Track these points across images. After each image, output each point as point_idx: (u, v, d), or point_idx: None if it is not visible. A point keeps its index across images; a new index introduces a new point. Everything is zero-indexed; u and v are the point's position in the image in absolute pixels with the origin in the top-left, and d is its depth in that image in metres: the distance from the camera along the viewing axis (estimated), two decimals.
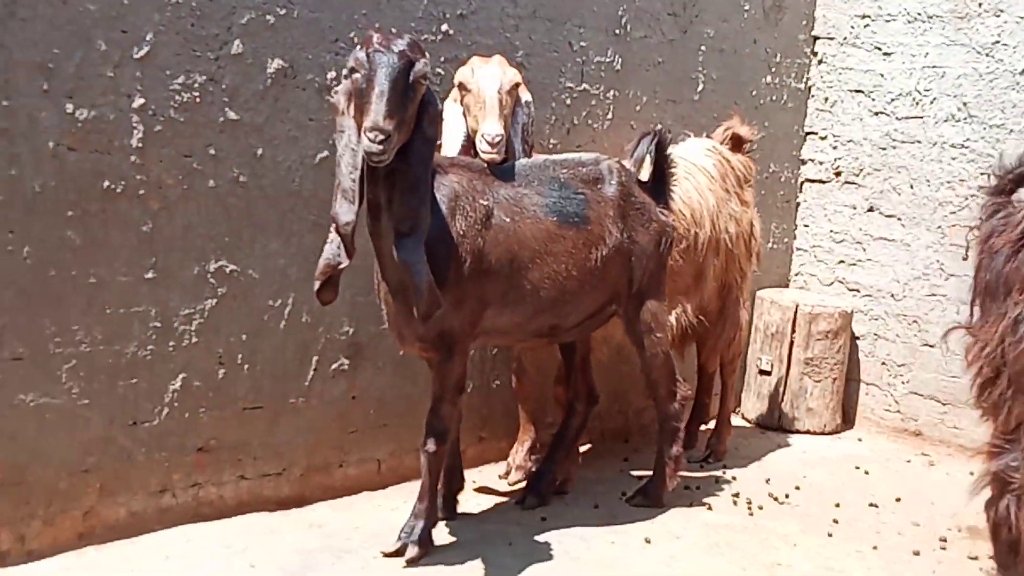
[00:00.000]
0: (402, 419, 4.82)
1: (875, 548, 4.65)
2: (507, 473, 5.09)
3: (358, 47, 3.55)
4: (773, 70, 6.46)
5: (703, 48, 5.94)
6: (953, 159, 6.20)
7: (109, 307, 3.88)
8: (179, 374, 4.09)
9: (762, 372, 6.46)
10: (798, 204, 6.89)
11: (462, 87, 4.35)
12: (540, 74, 5.01)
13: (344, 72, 3.65)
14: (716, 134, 5.60)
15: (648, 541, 4.47)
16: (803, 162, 6.83)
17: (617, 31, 5.43)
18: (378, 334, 4.66)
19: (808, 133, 6.81)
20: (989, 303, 3.71)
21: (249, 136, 4.14)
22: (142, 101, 3.84)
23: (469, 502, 4.75)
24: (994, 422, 3.62)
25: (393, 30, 3.92)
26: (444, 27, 4.68)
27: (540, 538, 4.40)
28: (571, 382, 4.89)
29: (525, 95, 4.44)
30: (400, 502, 4.66)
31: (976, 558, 4.63)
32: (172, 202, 3.98)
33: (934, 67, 6.25)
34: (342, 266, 3.73)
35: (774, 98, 6.50)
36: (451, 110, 4.44)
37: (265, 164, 4.21)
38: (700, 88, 5.98)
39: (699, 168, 5.23)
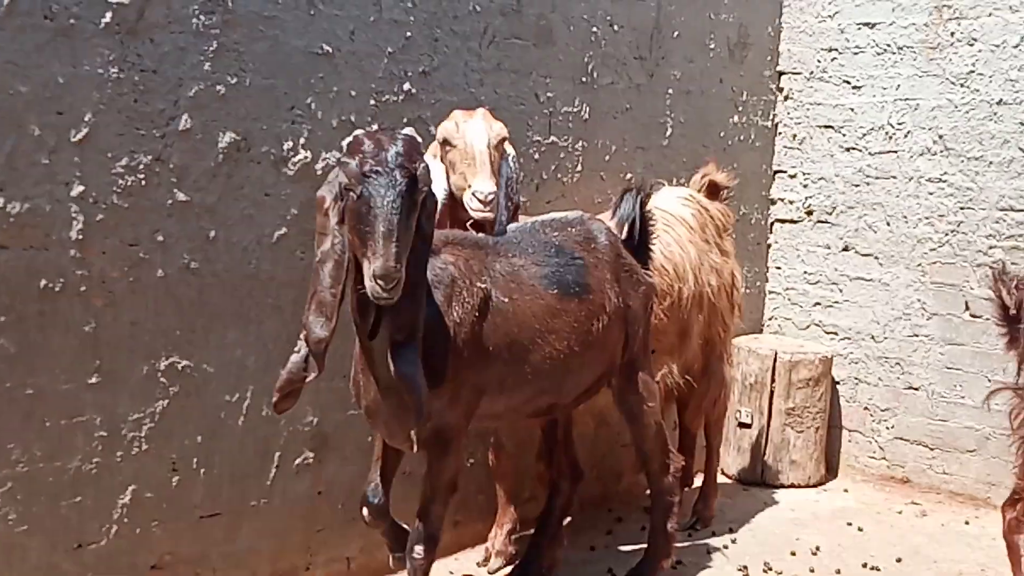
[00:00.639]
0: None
1: None
2: (487, 559, 4.72)
3: (347, 155, 3.10)
4: (740, 109, 6.19)
5: (670, 91, 5.64)
6: (931, 194, 5.98)
7: (49, 419, 3.45)
8: (128, 486, 3.66)
9: (741, 425, 6.16)
10: (769, 246, 6.62)
11: (446, 143, 4.03)
12: (508, 128, 4.63)
13: (333, 179, 3.16)
14: (692, 182, 5.32)
15: None
16: (773, 202, 6.58)
17: (584, 79, 5.11)
18: (344, 422, 4.28)
19: (777, 172, 6.56)
20: None
21: (200, 218, 3.74)
22: (81, 188, 3.42)
23: None
24: None
25: (378, 128, 3.46)
26: (406, 86, 4.32)
27: None
28: (554, 459, 4.55)
29: (510, 150, 4.15)
30: None
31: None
32: (117, 297, 3.55)
33: (907, 99, 6.02)
34: (309, 379, 3.34)
35: (742, 138, 6.23)
36: (431, 168, 4.09)
37: (218, 247, 3.81)
38: (669, 133, 5.68)
39: (678, 219, 4.93)
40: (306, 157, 4.02)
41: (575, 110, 5.09)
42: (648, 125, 5.55)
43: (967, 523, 5.64)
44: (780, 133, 6.52)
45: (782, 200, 6.54)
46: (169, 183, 3.64)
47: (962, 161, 5.87)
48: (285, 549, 4.16)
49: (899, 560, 5.04)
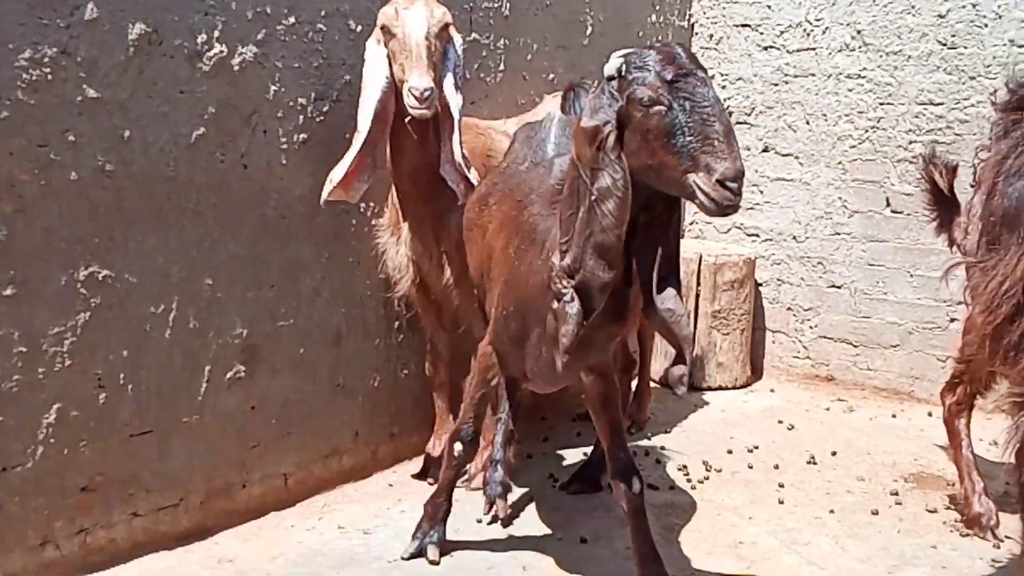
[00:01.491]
0: (307, 424, 4.29)
1: (832, 512, 4.38)
2: (424, 471, 4.59)
3: (634, 70, 2.80)
4: (657, 8, 6.07)
5: None
6: (850, 90, 5.95)
7: None
8: (53, 405, 3.43)
9: None
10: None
11: (386, 30, 3.84)
12: None
13: (600, 105, 2.85)
14: None
15: (587, 540, 4.06)
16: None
17: None
18: (274, 332, 4.09)
19: None
20: (1005, 233, 3.25)
21: (112, 116, 3.47)
22: None
23: (392, 510, 4.24)
24: (1011, 369, 3.22)
25: (660, 43, 3.03)
26: None
27: (482, 540, 3.96)
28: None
29: (455, 34, 3.96)
30: (315, 520, 4.13)
31: (935, 511, 4.42)
32: (28, 202, 3.29)
33: None
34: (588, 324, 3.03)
35: (659, 38, 6.12)
36: (373, 53, 3.92)
37: (133, 147, 3.55)
38: (589, 32, 5.53)
39: None
40: (221, 51, 3.77)
41: (496, 6, 4.90)
42: (568, 23, 5.39)
43: (894, 416, 5.70)
44: (696, 33, 6.42)
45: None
46: (77, 78, 3.36)
47: (881, 56, 5.85)
48: (219, 466, 3.98)
49: (834, 454, 5.06)
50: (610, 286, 2.94)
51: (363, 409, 4.51)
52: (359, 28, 4.25)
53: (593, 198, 2.86)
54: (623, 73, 2.82)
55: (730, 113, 6.33)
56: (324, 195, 3.96)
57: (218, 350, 3.91)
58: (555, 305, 3.04)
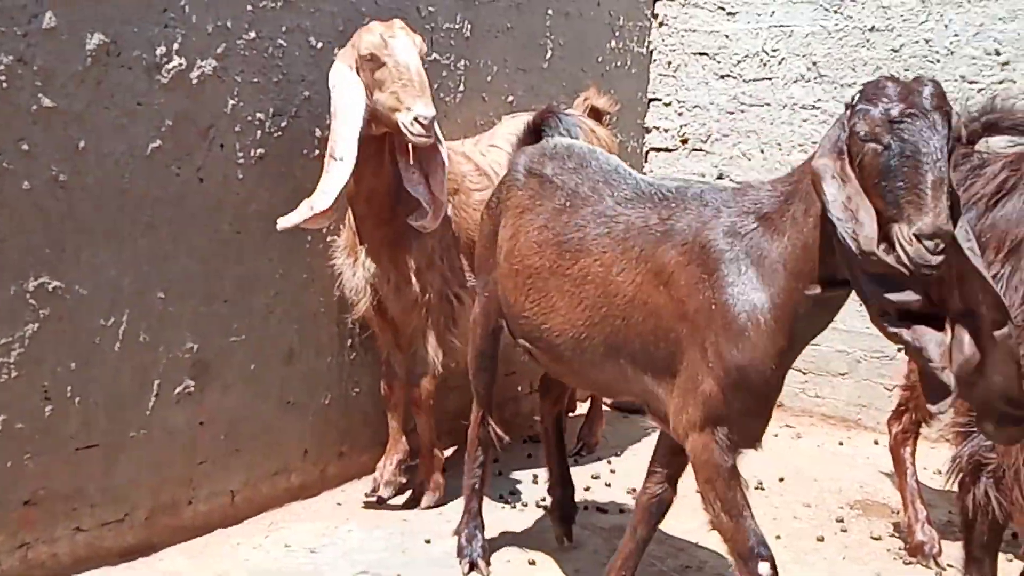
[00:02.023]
0: (256, 442, 4.26)
1: (778, 537, 4.39)
2: (375, 490, 4.56)
3: (863, 102, 2.58)
4: (616, 34, 6.12)
5: (550, 11, 5.52)
6: (804, 120, 6.03)
7: None
8: None
9: None
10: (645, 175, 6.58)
11: (372, 59, 3.88)
12: None
13: (841, 132, 2.64)
14: (575, 106, 5.22)
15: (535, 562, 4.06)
16: (648, 130, 6.54)
17: None
18: (226, 348, 4.06)
19: (652, 99, 6.52)
20: None
21: (68, 126, 3.44)
22: None
23: (339, 529, 4.22)
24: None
25: (894, 77, 2.68)
26: None
27: (429, 563, 3.94)
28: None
29: None
30: (261, 538, 4.10)
31: (879, 538, 4.46)
32: None
33: (781, 26, 6.05)
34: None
35: (619, 64, 6.16)
36: (347, 80, 3.93)
37: (88, 158, 3.52)
38: (548, 55, 5.57)
39: None
40: (180, 64, 3.75)
41: (457, 26, 4.92)
42: (528, 46, 5.42)
43: (841, 444, 5.75)
44: (655, 60, 6.48)
45: (657, 128, 6.50)
46: (33, 86, 3.34)
47: (835, 88, 5.93)
48: (166, 482, 3.94)
49: (781, 480, 5.10)
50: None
51: (313, 427, 4.49)
52: (319, 45, 4.25)
53: (841, 234, 2.58)
54: (854, 102, 2.64)
55: (685, 140, 6.41)
56: (297, 220, 3.94)
57: (168, 365, 3.88)
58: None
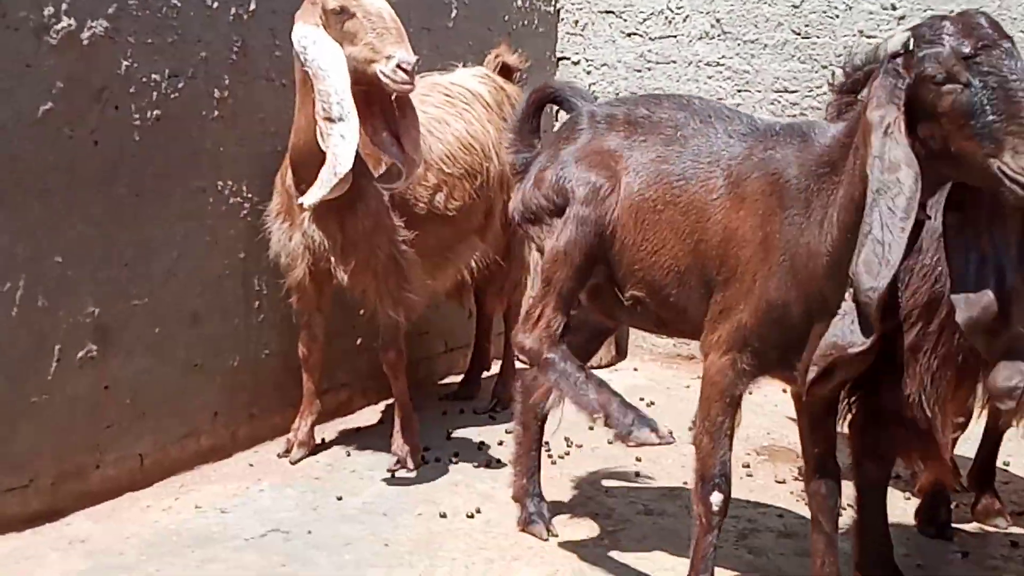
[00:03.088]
0: (163, 405, 4.24)
1: (685, 483, 4.47)
2: (288, 450, 4.58)
3: (924, 45, 2.54)
4: None
5: None
6: (709, 77, 6.11)
7: None
8: None
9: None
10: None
11: (343, 11, 3.83)
12: (287, 3, 4.37)
13: (893, 72, 2.59)
14: (486, 63, 5.23)
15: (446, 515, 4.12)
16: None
17: None
18: (128, 311, 4.04)
19: (561, 58, 6.55)
20: None
21: None
22: None
23: (251, 489, 4.23)
24: None
25: (958, 12, 2.66)
26: None
27: (341, 516, 3.97)
28: None
29: None
30: (171, 500, 4.10)
31: (783, 481, 4.58)
32: None
33: None
34: (854, 349, 2.80)
35: (526, 23, 6.18)
36: (319, 37, 3.85)
37: None
38: (453, 15, 5.57)
39: (475, 96, 4.86)
40: (70, 25, 3.69)
41: None
42: (433, 6, 5.41)
43: (750, 392, 5.83)
44: (563, 19, 6.51)
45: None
46: None
47: (739, 44, 6.01)
48: (70, 448, 3.91)
49: (690, 428, 5.17)
50: (879, 293, 2.61)
51: (222, 389, 4.48)
52: (215, 4, 4.22)
53: (875, 189, 2.56)
54: (911, 48, 2.56)
55: (595, 98, 6.43)
56: (324, 192, 3.88)
57: (68, 330, 3.84)
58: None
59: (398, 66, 3.79)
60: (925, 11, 5.49)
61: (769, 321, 2.99)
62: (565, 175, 3.46)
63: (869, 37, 5.65)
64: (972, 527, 4.17)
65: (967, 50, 2.47)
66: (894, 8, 5.60)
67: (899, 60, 2.58)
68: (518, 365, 5.66)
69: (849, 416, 3.50)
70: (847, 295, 2.74)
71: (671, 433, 3.30)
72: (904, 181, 2.53)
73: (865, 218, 2.58)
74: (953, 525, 4.08)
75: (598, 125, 3.50)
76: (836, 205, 2.80)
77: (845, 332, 2.75)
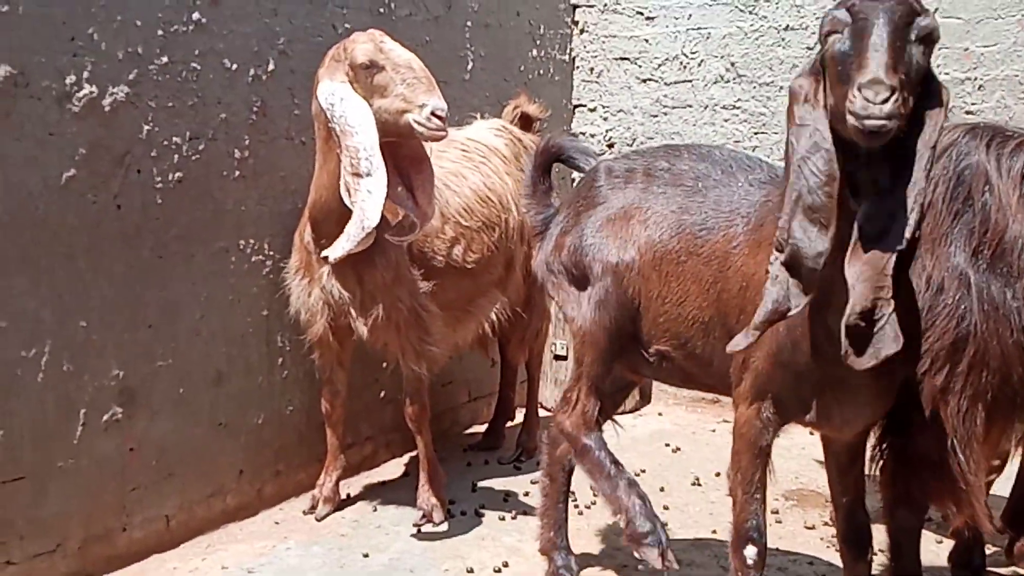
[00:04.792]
0: (189, 465, 4.25)
1: (714, 532, 4.46)
2: (313, 507, 4.58)
3: (832, 8, 2.60)
4: (538, 43, 6.18)
5: (469, 24, 5.57)
6: (726, 120, 6.13)
7: None
8: None
9: (557, 357, 6.20)
10: (573, 180, 6.65)
11: (372, 65, 3.88)
12: (305, 63, 4.47)
13: (809, 63, 2.68)
14: (504, 114, 5.27)
15: (472, 569, 4.10)
16: (575, 136, 6.59)
17: (381, 10, 4.98)
18: (153, 373, 4.06)
19: (577, 106, 6.59)
20: None
21: None
22: None
23: (277, 548, 4.22)
24: None
25: None
26: (195, 15, 4.08)
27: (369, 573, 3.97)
28: None
29: None
30: (198, 561, 4.10)
31: (813, 527, 4.54)
32: None
33: (699, 28, 6.14)
34: (792, 312, 2.72)
35: (541, 72, 6.23)
36: (346, 94, 3.91)
37: None
38: (470, 67, 5.61)
39: (492, 150, 4.89)
40: (92, 92, 3.74)
41: None
42: (449, 59, 5.46)
43: (777, 436, 5.82)
44: (578, 67, 6.55)
45: (584, 134, 6.58)
46: None
47: (754, 87, 6.03)
48: (97, 511, 3.91)
49: (718, 474, 5.16)
50: (822, 257, 2.60)
51: (247, 447, 4.49)
52: (234, 67, 4.26)
53: (799, 157, 2.61)
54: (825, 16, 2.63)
55: (611, 144, 6.48)
56: (350, 246, 3.94)
57: (94, 393, 3.86)
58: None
59: (433, 114, 3.84)
60: (940, 48, 5.47)
61: (780, 364, 2.97)
62: (584, 247, 3.50)
63: None
64: (1007, 571, 4.12)
65: (851, 5, 2.53)
66: None
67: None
68: (542, 414, 5.69)
69: (880, 462, 3.46)
70: (774, 258, 2.70)
71: (676, 561, 3.39)
72: (821, 143, 2.57)
73: (791, 188, 2.63)
74: (988, 569, 4.03)
75: (616, 180, 3.51)
76: None
77: (783, 295, 2.68)
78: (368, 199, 3.86)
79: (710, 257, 3.20)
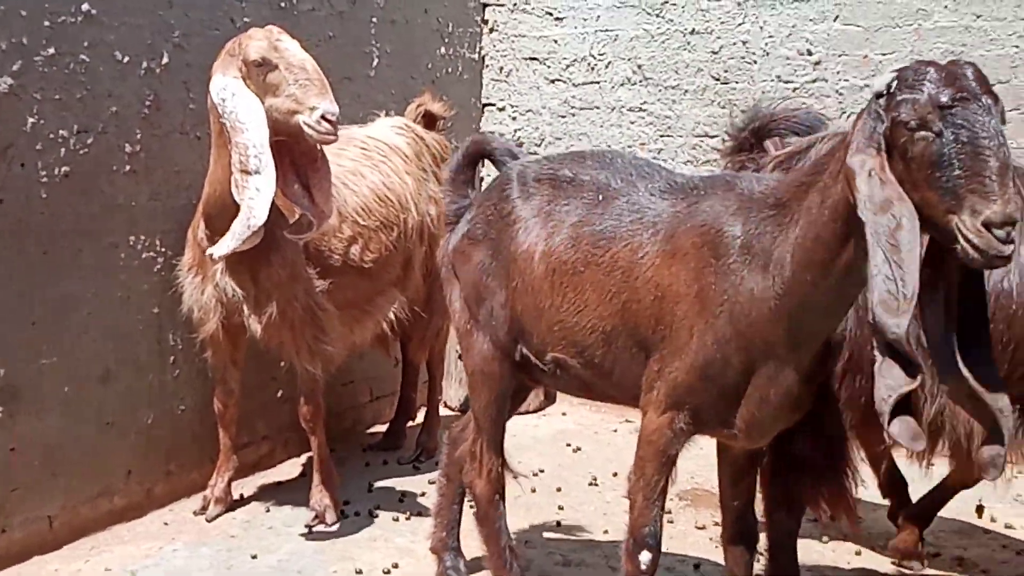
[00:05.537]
0: (75, 465, 4.17)
1: (606, 532, 4.49)
2: (204, 508, 4.52)
3: (907, 89, 2.46)
4: (446, 40, 6.16)
5: (374, 19, 5.53)
6: (632, 123, 6.16)
7: None
8: None
9: (461, 356, 6.17)
10: (482, 179, 6.64)
11: (264, 64, 3.84)
12: (202, 56, 4.39)
13: (875, 113, 2.52)
14: (407, 112, 5.24)
15: (361, 571, 4.08)
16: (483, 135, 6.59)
17: (283, 4, 4.93)
18: (38, 371, 3.97)
19: (486, 104, 6.58)
20: None
21: None
22: None
23: (164, 549, 4.16)
24: None
25: (932, 62, 2.56)
26: (85, 6, 4.01)
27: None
28: None
29: None
30: (81, 563, 4.03)
31: (703, 527, 4.57)
32: None
33: (607, 30, 6.17)
34: (912, 387, 2.51)
35: (450, 70, 6.21)
36: (238, 89, 3.86)
37: None
38: (375, 64, 5.58)
39: (393, 148, 4.87)
40: None
41: None
42: (353, 55, 5.42)
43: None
44: (487, 65, 6.54)
45: (492, 133, 6.56)
46: None
47: (660, 90, 6.07)
48: None
49: (615, 475, 5.18)
50: (904, 339, 2.47)
51: (136, 447, 4.42)
52: (126, 59, 4.19)
53: (873, 232, 2.46)
54: (892, 90, 2.51)
55: (520, 144, 6.47)
56: (235, 244, 3.88)
57: None
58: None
59: (323, 117, 3.81)
60: (840, 55, 5.61)
61: (705, 378, 2.95)
62: (487, 283, 3.49)
63: (786, 83, 5.73)
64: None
65: (944, 99, 2.41)
66: (810, 54, 5.69)
67: (881, 101, 2.53)
68: (444, 413, 5.68)
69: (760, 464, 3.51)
70: (875, 348, 2.56)
71: None
72: (899, 216, 2.45)
73: (871, 261, 2.48)
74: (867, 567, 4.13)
75: (525, 189, 3.46)
76: (789, 245, 2.77)
77: (893, 380, 2.53)
78: (256, 197, 3.82)
79: (612, 267, 3.18)
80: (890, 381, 2.50)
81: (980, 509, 4.47)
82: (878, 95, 2.53)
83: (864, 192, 2.48)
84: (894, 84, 2.49)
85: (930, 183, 2.41)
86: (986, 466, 2.57)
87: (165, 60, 4.38)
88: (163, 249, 4.44)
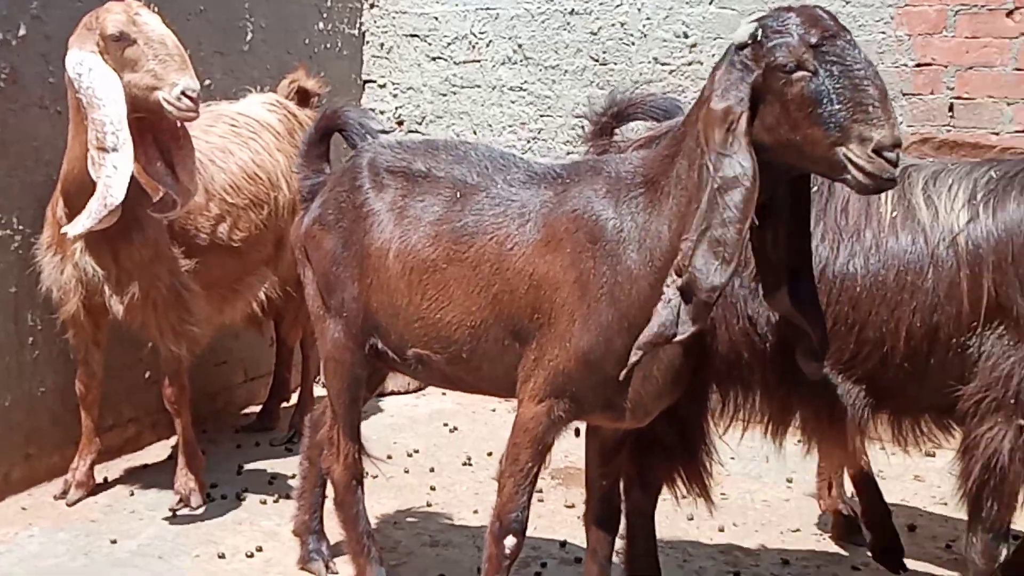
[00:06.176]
0: None
1: (475, 512, 4.50)
2: (64, 492, 4.41)
3: (773, 35, 2.53)
4: (325, 16, 6.08)
5: None
6: (513, 102, 6.16)
7: None
8: None
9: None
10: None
11: (122, 38, 3.74)
12: (61, 28, 4.24)
13: (730, 83, 2.59)
14: (280, 88, 5.16)
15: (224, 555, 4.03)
16: (367, 112, 6.51)
17: None
18: None
19: (367, 81, 6.52)
20: None
21: None
22: None
23: (20, 535, 4.06)
24: None
25: (789, 7, 2.62)
26: None
27: (112, 563, 3.84)
28: None
29: None
30: None
31: (573, 506, 4.60)
32: None
33: (487, 8, 6.15)
34: (678, 339, 2.66)
35: (328, 45, 6.13)
36: (95, 64, 3.75)
37: None
38: (249, 38, 5.48)
39: (264, 125, 4.81)
40: None
41: None
42: (226, 28, 5.32)
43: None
44: (368, 42, 6.47)
45: (373, 110, 6.50)
46: None
47: (540, 70, 6.08)
48: None
49: (490, 454, 5.19)
50: (721, 291, 2.60)
51: None
52: None
53: (716, 186, 2.56)
54: (759, 39, 2.56)
55: (401, 122, 6.44)
56: (92, 223, 3.79)
57: None
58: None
59: (183, 93, 3.75)
60: (715, 39, 5.66)
61: (588, 363, 2.93)
62: (337, 272, 3.44)
63: (663, 64, 5.78)
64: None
65: (814, 39, 2.50)
66: (686, 36, 5.74)
67: (746, 51, 2.58)
68: (319, 394, 5.63)
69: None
70: (670, 280, 2.65)
71: None
72: (743, 178, 2.53)
73: (702, 215, 2.58)
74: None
75: (378, 180, 3.38)
76: (664, 217, 2.79)
77: (671, 320, 2.64)
78: (113, 175, 3.74)
79: (478, 261, 3.13)
80: (666, 320, 2.63)
81: None
82: (741, 46, 2.59)
83: (718, 142, 2.57)
84: (759, 33, 2.56)
85: (812, 120, 2.49)
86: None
87: (22, 32, 4.25)
88: (20, 227, 4.32)
